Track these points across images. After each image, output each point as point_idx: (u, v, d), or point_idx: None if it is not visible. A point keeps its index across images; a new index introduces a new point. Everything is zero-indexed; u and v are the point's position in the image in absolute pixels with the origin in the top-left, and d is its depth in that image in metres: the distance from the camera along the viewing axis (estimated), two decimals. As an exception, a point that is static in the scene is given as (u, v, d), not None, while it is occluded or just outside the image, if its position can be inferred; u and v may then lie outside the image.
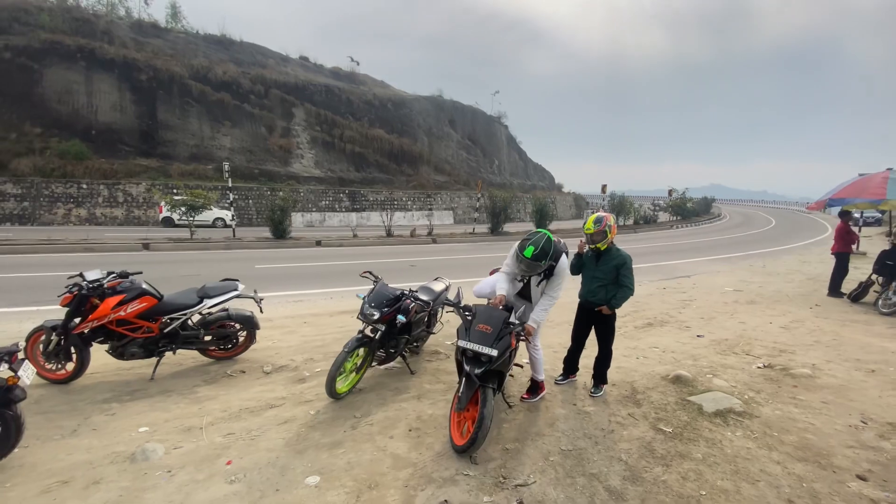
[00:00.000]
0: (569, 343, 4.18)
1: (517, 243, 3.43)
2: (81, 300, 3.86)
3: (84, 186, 23.08)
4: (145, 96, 27.01)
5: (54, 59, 25.58)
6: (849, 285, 8.60)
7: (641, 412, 3.67)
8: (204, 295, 4.38)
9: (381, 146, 33.95)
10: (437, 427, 3.41)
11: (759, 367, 4.69)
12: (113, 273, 4.13)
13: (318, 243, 15.90)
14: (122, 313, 3.95)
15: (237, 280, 4.70)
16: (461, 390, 3.09)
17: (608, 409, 3.73)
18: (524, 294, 3.70)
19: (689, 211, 37.56)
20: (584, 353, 4.13)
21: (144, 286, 4.13)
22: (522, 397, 3.83)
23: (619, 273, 3.64)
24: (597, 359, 3.98)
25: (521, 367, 4.44)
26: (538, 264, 3.29)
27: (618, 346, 5.35)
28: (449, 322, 6.38)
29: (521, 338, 3.28)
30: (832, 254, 8.87)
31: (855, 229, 9.83)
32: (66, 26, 27.56)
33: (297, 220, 24.71)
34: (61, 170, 23.25)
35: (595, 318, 3.88)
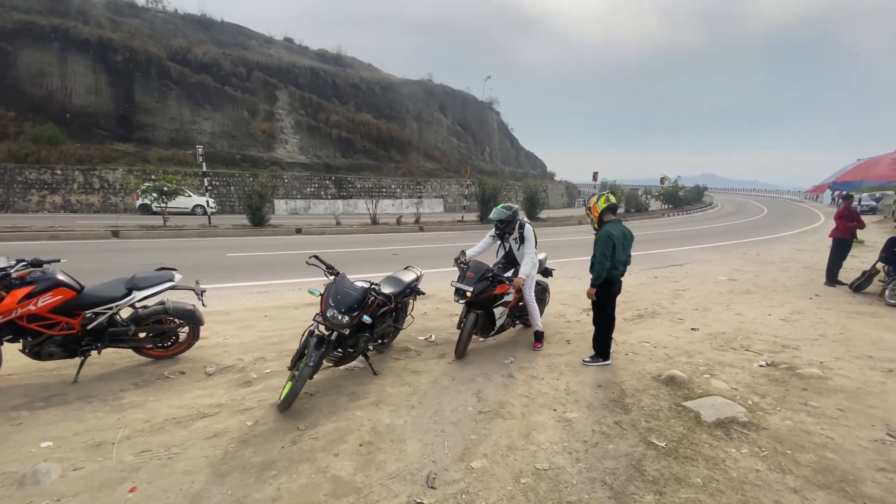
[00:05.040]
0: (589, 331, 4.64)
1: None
2: (-18, 292, 3.30)
3: (59, 172, 22.11)
4: (122, 78, 25.89)
5: (28, 40, 24.38)
6: (847, 274, 8.21)
7: (630, 420, 3.20)
8: (133, 286, 3.81)
9: (369, 131, 32.98)
10: (393, 440, 2.92)
11: (761, 366, 4.23)
12: (23, 261, 3.55)
13: (299, 231, 15.26)
14: (31, 308, 3.39)
15: (174, 269, 4.13)
16: (461, 317, 4.37)
17: (593, 416, 3.26)
18: (511, 260, 4.65)
19: (681, 199, 37.21)
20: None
21: (59, 276, 3.56)
22: (534, 346, 4.62)
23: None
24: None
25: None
26: (504, 212, 4.44)
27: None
28: (425, 314, 5.88)
29: (511, 284, 4.27)
30: (830, 238, 8.45)
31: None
32: (41, 6, 26.27)
33: (281, 207, 23.97)
34: (35, 155, 22.26)
35: None
